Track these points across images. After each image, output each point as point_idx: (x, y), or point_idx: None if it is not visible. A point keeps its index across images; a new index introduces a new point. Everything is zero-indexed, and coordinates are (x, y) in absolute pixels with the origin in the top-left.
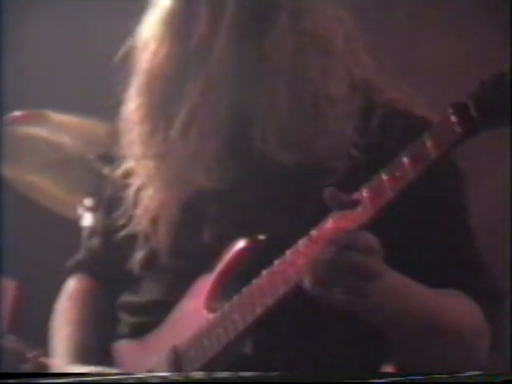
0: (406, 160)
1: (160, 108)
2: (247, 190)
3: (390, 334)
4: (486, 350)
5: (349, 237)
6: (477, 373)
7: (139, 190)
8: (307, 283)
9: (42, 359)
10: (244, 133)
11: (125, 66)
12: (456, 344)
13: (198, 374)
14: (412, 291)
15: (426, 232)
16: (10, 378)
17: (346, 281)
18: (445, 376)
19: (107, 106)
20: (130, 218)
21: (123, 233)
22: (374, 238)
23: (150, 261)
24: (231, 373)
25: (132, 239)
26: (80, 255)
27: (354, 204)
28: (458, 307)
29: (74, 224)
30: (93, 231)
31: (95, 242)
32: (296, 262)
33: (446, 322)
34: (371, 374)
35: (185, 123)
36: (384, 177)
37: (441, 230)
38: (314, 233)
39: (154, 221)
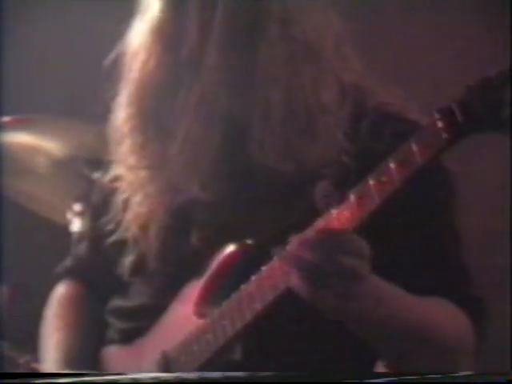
0: (392, 165)
1: (151, 119)
2: (238, 196)
3: (377, 342)
4: (470, 354)
5: (337, 239)
6: (479, 373)
7: (129, 195)
8: (295, 285)
9: (34, 365)
10: (238, 142)
11: (114, 72)
12: (441, 349)
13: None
14: (397, 298)
15: (412, 238)
16: (10, 378)
17: (333, 282)
18: (448, 376)
19: (97, 112)
20: (119, 224)
21: (112, 238)
22: (363, 241)
23: (139, 266)
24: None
25: (121, 244)
26: (68, 261)
27: (341, 199)
28: (442, 314)
29: (64, 229)
30: (80, 237)
31: (83, 247)
32: (284, 267)
33: (431, 328)
34: (368, 373)
35: (182, 138)
36: (371, 182)
37: (427, 237)
38: (302, 235)
39: (144, 226)
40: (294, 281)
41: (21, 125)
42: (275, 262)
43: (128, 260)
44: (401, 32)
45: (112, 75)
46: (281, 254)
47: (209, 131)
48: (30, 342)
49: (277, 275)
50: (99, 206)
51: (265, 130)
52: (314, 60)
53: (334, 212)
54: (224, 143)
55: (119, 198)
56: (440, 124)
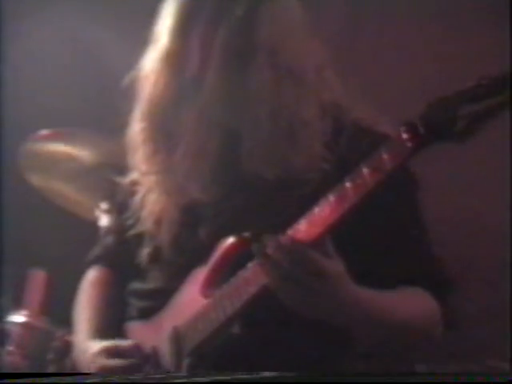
0: (365, 170)
1: (160, 131)
2: (236, 197)
3: (353, 333)
4: (439, 333)
5: (306, 245)
6: (479, 373)
7: (144, 196)
8: (269, 284)
9: (68, 337)
10: (232, 151)
11: (130, 92)
12: (412, 335)
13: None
14: (367, 293)
15: (384, 234)
16: (10, 378)
17: (300, 275)
18: (451, 376)
19: (117, 125)
20: (138, 219)
21: (132, 232)
22: (329, 244)
23: (155, 255)
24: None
25: (140, 237)
26: (97, 250)
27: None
28: (411, 304)
29: (93, 224)
30: (107, 230)
31: (110, 239)
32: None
33: (400, 319)
34: (369, 374)
35: (185, 147)
36: (347, 184)
37: (397, 232)
38: (289, 232)
39: (158, 222)
40: (268, 280)
41: (56, 137)
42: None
43: (146, 250)
44: (373, 57)
45: (128, 94)
46: (258, 255)
47: (207, 141)
48: (66, 317)
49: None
50: (122, 204)
51: (253, 142)
52: (297, 83)
53: (316, 210)
54: (220, 152)
55: (137, 198)
56: (405, 135)
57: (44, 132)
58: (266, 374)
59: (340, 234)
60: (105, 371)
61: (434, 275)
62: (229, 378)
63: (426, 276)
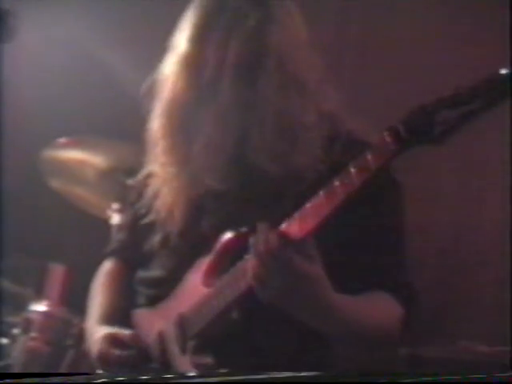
0: (352, 170)
1: (178, 127)
2: (239, 191)
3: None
4: (399, 332)
5: (288, 244)
6: (479, 373)
7: (159, 187)
8: (251, 279)
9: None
10: (241, 148)
11: (150, 93)
12: (375, 336)
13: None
14: (341, 302)
15: (363, 234)
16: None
17: (281, 277)
18: (452, 377)
19: (132, 131)
20: (150, 209)
21: (145, 220)
22: (312, 246)
23: (165, 242)
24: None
25: (151, 225)
26: (111, 245)
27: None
28: (379, 308)
29: (105, 222)
30: (120, 228)
31: (122, 235)
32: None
33: (365, 323)
34: (368, 374)
35: (203, 142)
36: (336, 183)
37: (375, 236)
38: (282, 228)
39: (170, 211)
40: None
41: (73, 144)
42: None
43: (156, 238)
44: (361, 72)
45: (148, 95)
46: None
47: (222, 138)
48: (83, 308)
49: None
50: (135, 199)
51: (259, 140)
52: (300, 91)
53: (308, 205)
54: (232, 148)
55: (151, 190)
56: (388, 139)
57: (62, 140)
58: (267, 375)
59: (318, 236)
60: (103, 358)
61: (400, 281)
62: (230, 378)
63: (392, 281)
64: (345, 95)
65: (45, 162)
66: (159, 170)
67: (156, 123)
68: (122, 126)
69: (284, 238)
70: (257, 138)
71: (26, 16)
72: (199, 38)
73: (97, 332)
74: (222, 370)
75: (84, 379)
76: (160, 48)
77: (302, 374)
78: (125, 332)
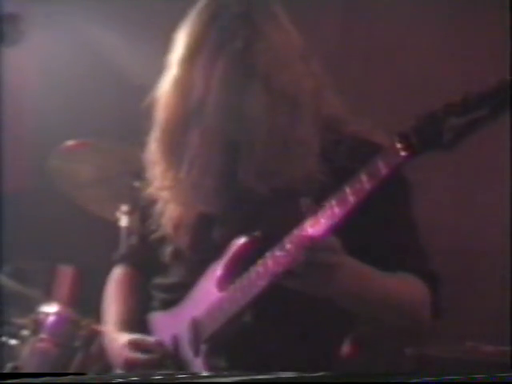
0: (363, 176)
1: (170, 150)
2: (239, 208)
3: (354, 309)
4: (429, 318)
5: (317, 242)
6: (479, 373)
7: (163, 205)
8: (283, 279)
9: (94, 326)
10: (232, 168)
11: (149, 112)
12: (404, 315)
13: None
14: (368, 274)
15: (379, 229)
16: (10, 378)
17: (313, 273)
18: (454, 377)
19: (137, 139)
20: (159, 225)
21: (156, 235)
22: (335, 240)
23: (176, 254)
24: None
25: (162, 239)
26: (122, 250)
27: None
28: (405, 287)
29: (114, 224)
30: (130, 231)
31: (133, 240)
32: (280, 259)
33: (395, 298)
34: (368, 374)
35: (189, 164)
36: (347, 189)
37: (390, 227)
38: (294, 235)
39: (176, 227)
40: (280, 275)
41: (81, 147)
42: (276, 251)
43: (168, 250)
44: (365, 72)
45: (148, 114)
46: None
47: (210, 159)
48: (92, 310)
49: (278, 260)
50: (144, 209)
51: (250, 159)
52: (290, 106)
53: (320, 213)
54: (221, 168)
55: (157, 207)
56: (399, 145)
57: (70, 142)
58: (271, 375)
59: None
60: (128, 363)
61: (423, 266)
62: (235, 378)
63: (416, 266)
64: (348, 98)
65: (53, 165)
66: (156, 193)
67: (153, 146)
68: (129, 129)
69: (311, 235)
70: (247, 158)
71: (33, 18)
72: (189, 59)
73: (119, 338)
74: (225, 371)
75: (88, 379)
76: (168, 50)
77: (304, 374)
78: (149, 338)
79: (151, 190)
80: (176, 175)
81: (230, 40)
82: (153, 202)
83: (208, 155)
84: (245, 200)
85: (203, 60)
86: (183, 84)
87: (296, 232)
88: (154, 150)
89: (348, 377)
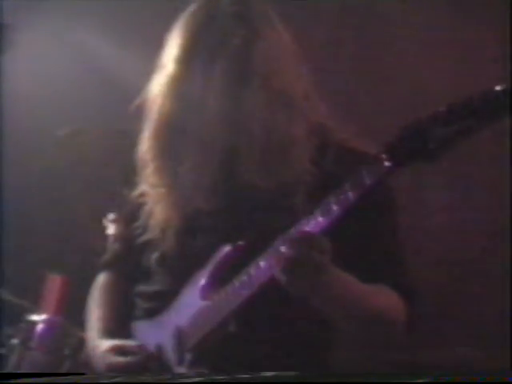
0: (347, 187)
1: (166, 149)
2: (232, 207)
3: (336, 319)
4: (403, 328)
5: (309, 239)
6: (480, 373)
7: (152, 207)
8: (278, 273)
9: (82, 335)
10: (231, 166)
11: (139, 114)
12: (380, 323)
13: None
14: (350, 281)
15: (362, 239)
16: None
17: (306, 271)
18: (452, 378)
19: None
20: (145, 228)
21: (141, 239)
22: (327, 241)
23: (162, 259)
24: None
25: (147, 244)
26: (106, 256)
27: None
28: (384, 298)
29: (102, 232)
30: (115, 238)
31: (117, 245)
32: (270, 261)
33: (375, 309)
34: (368, 374)
35: (190, 161)
36: (331, 199)
37: (372, 239)
38: (285, 237)
39: (163, 230)
40: (277, 273)
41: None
42: (260, 259)
43: (154, 255)
44: (355, 81)
45: (138, 116)
46: (270, 251)
47: (209, 157)
48: (80, 318)
49: (262, 269)
50: (130, 214)
51: (249, 156)
52: (287, 105)
53: (304, 224)
54: (220, 167)
55: (145, 209)
56: (383, 156)
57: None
58: (266, 373)
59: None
60: (112, 368)
61: (401, 280)
62: (228, 377)
63: (394, 279)
64: (336, 105)
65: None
66: (150, 190)
67: (145, 145)
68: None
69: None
70: (246, 155)
71: (29, 20)
72: (185, 58)
73: (101, 345)
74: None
75: (84, 379)
76: (158, 52)
77: (304, 374)
78: (131, 342)
79: (142, 190)
80: (172, 173)
81: (227, 39)
82: (140, 205)
83: (208, 153)
84: (239, 199)
85: (200, 59)
86: (179, 83)
87: (282, 237)
88: (147, 148)
89: (348, 377)
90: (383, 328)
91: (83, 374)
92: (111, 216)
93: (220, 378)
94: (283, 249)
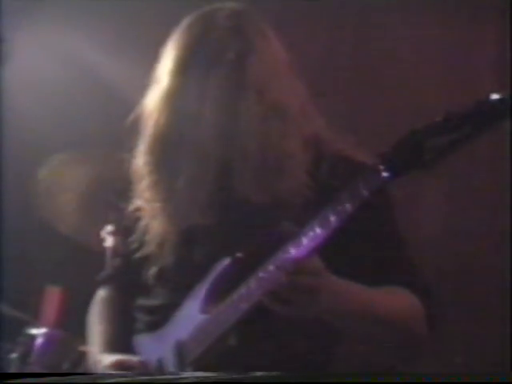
0: (345, 197)
1: (162, 164)
2: (229, 220)
3: (343, 327)
4: (423, 333)
5: (299, 265)
6: (480, 373)
7: (148, 222)
8: (268, 302)
9: (82, 348)
10: (225, 180)
11: (134, 129)
12: (395, 330)
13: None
14: (355, 291)
15: (368, 244)
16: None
17: (298, 297)
18: (452, 378)
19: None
20: (142, 243)
21: (138, 254)
22: (318, 262)
23: (160, 274)
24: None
25: (146, 258)
26: (107, 271)
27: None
28: (395, 301)
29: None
30: (115, 253)
31: (117, 261)
32: (262, 281)
33: (385, 313)
34: (366, 374)
35: (186, 176)
36: (329, 210)
37: (379, 243)
38: (277, 258)
39: (160, 245)
40: (268, 299)
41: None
42: (258, 277)
43: (152, 270)
44: (350, 92)
45: (133, 130)
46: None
47: (204, 172)
48: (80, 331)
49: (258, 288)
50: (128, 229)
51: (243, 171)
52: (282, 117)
53: (304, 237)
54: (215, 181)
55: (141, 224)
56: (380, 166)
57: (55, 158)
58: (265, 373)
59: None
60: None
61: (414, 279)
62: (228, 377)
63: (406, 280)
64: (331, 116)
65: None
66: (146, 205)
67: (141, 159)
68: (116, 145)
69: (294, 258)
70: (241, 169)
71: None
72: (180, 72)
73: (103, 360)
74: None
75: (86, 379)
76: (154, 64)
77: (305, 374)
78: (133, 358)
79: (138, 204)
80: (168, 188)
81: (223, 52)
82: (136, 219)
83: (203, 168)
84: (236, 214)
85: (196, 72)
86: (174, 96)
87: (279, 254)
88: (143, 163)
89: (348, 377)
90: (403, 330)
91: (83, 374)
92: (109, 228)
93: (220, 378)
94: (273, 274)
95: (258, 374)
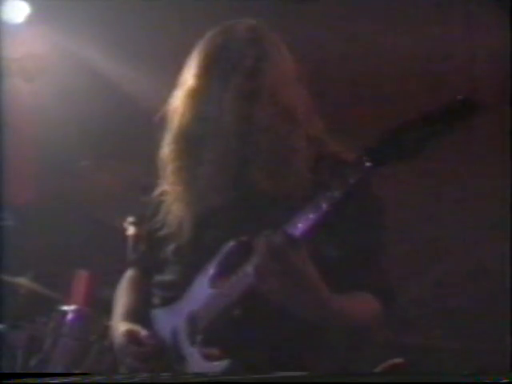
0: (333, 185)
1: (186, 152)
2: (240, 207)
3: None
4: (380, 332)
5: (286, 251)
6: (479, 373)
7: (170, 204)
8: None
9: (107, 323)
10: (241, 170)
11: (162, 122)
12: (356, 328)
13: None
14: (326, 292)
15: (343, 248)
16: (10, 378)
17: (283, 280)
18: (452, 378)
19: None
20: (164, 223)
21: (161, 233)
22: (304, 250)
23: (177, 251)
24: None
25: (165, 238)
26: (133, 256)
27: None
28: (358, 306)
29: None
30: (139, 239)
31: (142, 247)
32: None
33: (348, 318)
34: (366, 374)
35: (207, 166)
36: (321, 198)
37: (353, 248)
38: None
39: (180, 225)
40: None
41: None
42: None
43: (170, 247)
44: (346, 102)
45: (161, 124)
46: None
47: (222, 162)
48: (106, 309)
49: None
50: (151, 214)
51: (257, 162)
52: (290, 118)
53: (298, 215)
54: (232, 170)
55: (164, 206)
56: (364, 158)
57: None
58: (267, 374)
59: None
60: (121, 352)
61: (379, 284)
62: (229, 377)
63: (373, 284)
64: (330, 121)
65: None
66: (170, 188)
67: (167, 149)
68: (135, 148)
69: (283, 236)
70: (255, 161)
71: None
72: (203, 76)
73: (120, 327)
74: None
75: (84, 379)
76: (174, 67)
77: (300, 374)
78: (142, 331)
79: (163, 188)
80: (190, 173)
81: (241, 60)
82: (160, 202)
83: (223, 159)
84: (247, 201)
85: (217, 77)
86: (198, 96)
87: (273, 236)
88: (168, 151)
89: (348, 377)
90: (359, 333)
91: (83, 374)
92: (130, 219)
93: (220, 378)
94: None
95: (258, 374)
